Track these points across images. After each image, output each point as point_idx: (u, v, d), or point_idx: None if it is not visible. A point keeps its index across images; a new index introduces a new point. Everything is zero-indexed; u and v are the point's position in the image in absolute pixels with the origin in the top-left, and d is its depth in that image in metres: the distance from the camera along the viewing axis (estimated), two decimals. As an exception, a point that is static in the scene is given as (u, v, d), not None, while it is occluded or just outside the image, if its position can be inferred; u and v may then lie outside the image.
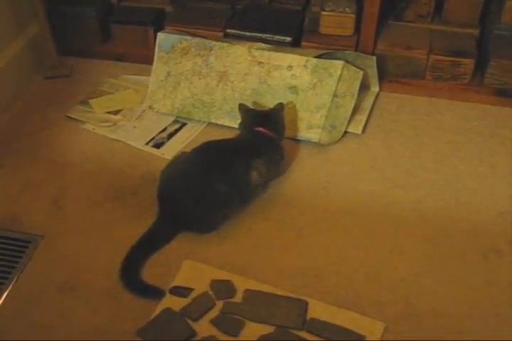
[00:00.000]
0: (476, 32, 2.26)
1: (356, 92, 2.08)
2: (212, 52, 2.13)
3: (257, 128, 1.87)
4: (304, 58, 2.06)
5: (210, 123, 2.12)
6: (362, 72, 2.08)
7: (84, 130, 2.10)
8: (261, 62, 2.09)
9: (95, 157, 2.00)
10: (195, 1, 2.42)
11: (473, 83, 2.24)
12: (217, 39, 2.18)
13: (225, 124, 2.08)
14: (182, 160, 1.80)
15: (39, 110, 2.19)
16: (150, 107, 2.17)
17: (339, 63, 2.04)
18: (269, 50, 2.11)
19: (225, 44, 2.13)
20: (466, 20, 2.25)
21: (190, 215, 1.72)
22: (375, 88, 2.24)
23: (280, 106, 1.95)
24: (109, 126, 2.12)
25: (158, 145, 2.05)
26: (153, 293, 1.59)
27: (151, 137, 2.08)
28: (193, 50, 2.14)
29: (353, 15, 2.19)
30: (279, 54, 2.09)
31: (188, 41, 2.15)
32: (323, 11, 2.20)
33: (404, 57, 2.22)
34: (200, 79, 2.14)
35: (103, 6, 2.42)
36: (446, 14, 2.26)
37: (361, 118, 2.13)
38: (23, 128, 2.12)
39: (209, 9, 2.39)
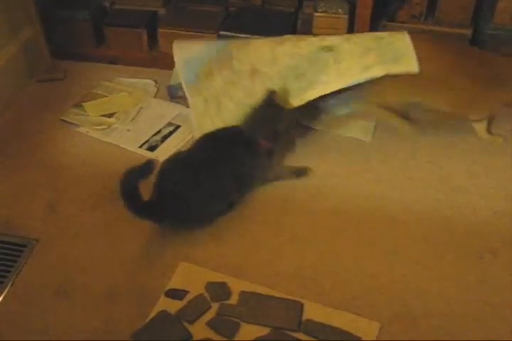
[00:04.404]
0: (468, 32, 2.26)
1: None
2: (233, 58, 2.03)
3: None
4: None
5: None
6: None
7: (79, 133, 2.10)
8: (281, 43, 2.00)
9: (90, 160, 2.00)
10: (189, 3, 2.43)
11: (467, 83, 2.24)
12: (224, 42, 2.11)
13: None
14: (182, 156, 1.80)
15: (33, 113, 2.19)
16: None
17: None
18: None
19: (239, 43, 2.06)
20: (458, 20, 2.25)
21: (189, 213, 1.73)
22: None
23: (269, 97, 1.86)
24: (103, 129, 2.12)
25: (152, 148, 2.04)
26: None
27: (145, 140, 2.08)
28: (215, 66, 2.04)
29: (345, 17, 2.19)
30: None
31: (207, 63, 2.05)
32: (316, 12, 2.21)
33: (397, 58, 2.22)
34: (235, 88, 2.02)
35: (96, 9, 2.43)
36: (439, 14, 2.27)
37: (369, 124, 2.10)
38: (18, 131, 2.12)
39: (202, 11, 2.40)
